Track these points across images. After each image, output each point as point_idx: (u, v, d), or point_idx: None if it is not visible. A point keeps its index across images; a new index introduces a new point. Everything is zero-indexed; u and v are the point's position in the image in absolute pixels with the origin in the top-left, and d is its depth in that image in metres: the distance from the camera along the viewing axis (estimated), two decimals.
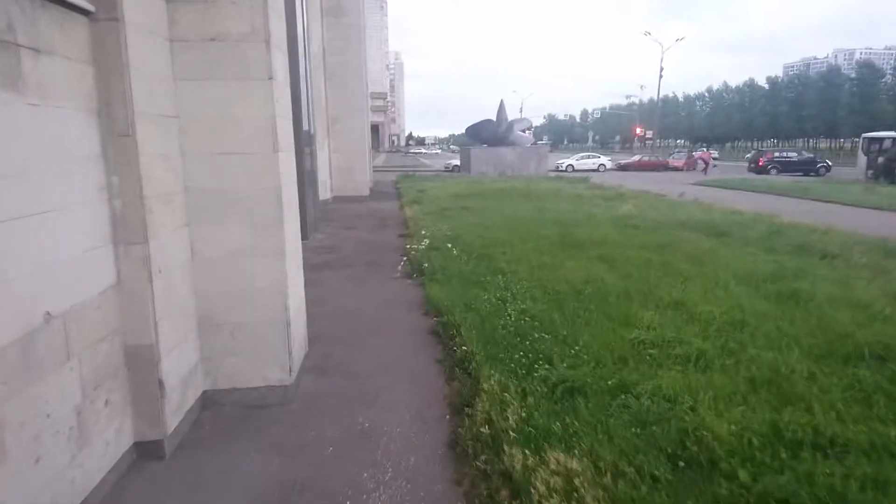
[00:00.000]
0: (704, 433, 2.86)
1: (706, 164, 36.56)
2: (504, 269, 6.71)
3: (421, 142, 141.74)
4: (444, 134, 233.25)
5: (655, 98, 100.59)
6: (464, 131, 33.91)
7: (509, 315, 4.94)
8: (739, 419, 3.02)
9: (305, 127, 9.37)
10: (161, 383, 2.85)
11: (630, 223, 10.10)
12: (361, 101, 17.68)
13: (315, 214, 10.14)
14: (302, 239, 9.16)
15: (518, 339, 4.36)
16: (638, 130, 74.79)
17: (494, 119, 31.22)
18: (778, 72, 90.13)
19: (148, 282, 2.76)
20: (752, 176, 30.88)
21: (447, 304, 5.35)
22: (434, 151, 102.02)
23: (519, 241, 8.44)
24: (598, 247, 7.84)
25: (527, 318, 4.83)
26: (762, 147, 76.83)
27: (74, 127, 2.44)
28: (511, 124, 31.36)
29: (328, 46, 16.24)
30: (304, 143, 9.20)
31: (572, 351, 4.07)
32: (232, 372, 3.41)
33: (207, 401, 3.40)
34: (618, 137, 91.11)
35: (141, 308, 2.76)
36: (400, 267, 7.12)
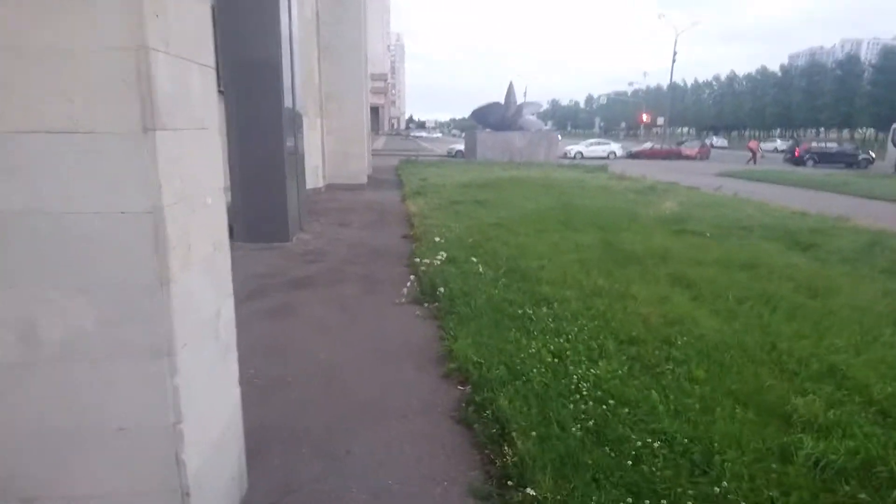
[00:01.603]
0: None
1: (754, 153, 34.23)
2: (548, 295, 4.93)
3: (421, 125, 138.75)
4: (444, 118, 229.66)
5: (661, 85, 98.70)
6: (468, 115, 31.98)
7: (579, 391, 3.18)
8: None
9: (289, 104, 7.52)
10: None
11: (684, 226, 8.29)
12: (360, 79, 15.72)
13: (300, 208, 8.33)
14: (282, 241, 7.37)
15: (611, 452, 2.59)
16: (644, 117, 72.87)
17: (502, 102, 29.23)
18: (782, 62, 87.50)
19: None
20: (784, 167, 28.97)
21: (478, 361, 3.59)
22: (435, 135, 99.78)
23: (554, 250, 6.66)
24: (662, 263, 6.06)
25: (609, 402, 3.05)
26: (752, 136, 74.85)
27: None
28: (520, 108, 29.40)
29: (323, 14, 14.26)
30: (287, 123, 7.37)
31: (717, 491, 2.32)
32: None
33: None
34: (623, 124, 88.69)
35: None
36: (406, 287, 5.33)
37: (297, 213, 8.12)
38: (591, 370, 3.45)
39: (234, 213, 7.34)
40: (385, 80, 74.55)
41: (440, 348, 4.00)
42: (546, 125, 31.49)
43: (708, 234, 7.67)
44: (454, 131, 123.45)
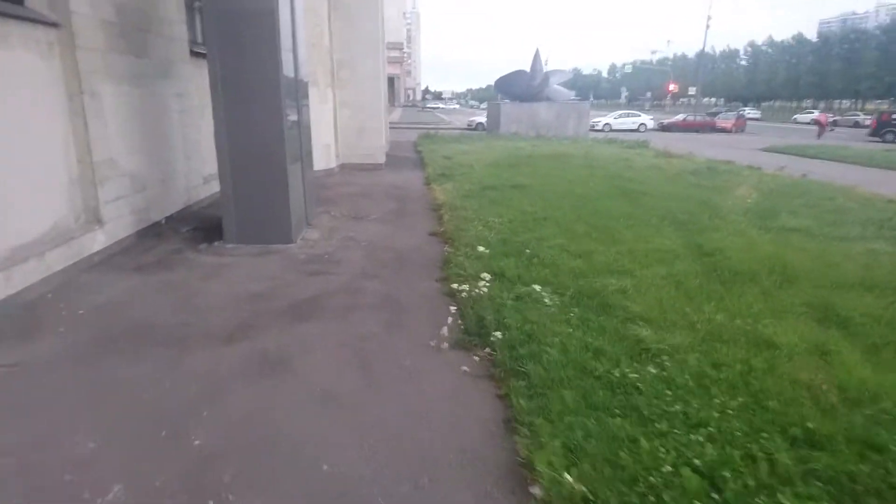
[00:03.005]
0: None
1: (822, 126, 31.53)
2: (648, 341, 3.46)
3: (438, 96, 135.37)
4: (460, 88, 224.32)
5: (688, 54, 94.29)
6: (485, 85, 30.04)
7: None
8: None
9: (289, 69, 6.00)
10: None
11: (780, 222, 6.68)
12: (376, 44, 13.99)
13: (307, 198, 6.86)
14: (283, 242, 5.90)
15: None
16: (672, 87, 69.79)
17: (528, 71, 27.19)
18: (811, 29, 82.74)
19: None
20: (846, 142, 26.63)
21: (587, 497, 2.16)
22: (452, 106, 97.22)
23: (632, 260, 5.15)
24: (787, 283, 4.54)
25: None
26: (783, 107, 71.11)
27: None
28: (547, 76, 27.29)
29: None
30: (287, 92, 5.85)
31: None
32: None
33: None
34: (649, 94, 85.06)
35: None
36: (446, 325, 3.85)
37: (303, 204, 6.66)
38: None
39: (224, 206, 5.91)
40: (401, 49, 72.12)
41: (512, 452, 2.56)
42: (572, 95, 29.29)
43: (811, 233, 6.06)
44: (472, 102, 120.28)
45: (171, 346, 3.53)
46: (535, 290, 4.23)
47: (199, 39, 8.36)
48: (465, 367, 3.32)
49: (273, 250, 5.81)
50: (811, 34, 75.24)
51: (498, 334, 3.48)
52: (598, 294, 4.25)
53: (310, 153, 7.33)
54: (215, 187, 7.95)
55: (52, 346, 3.53)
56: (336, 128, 12.44)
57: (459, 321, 3.90)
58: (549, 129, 24.30)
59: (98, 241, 5.30)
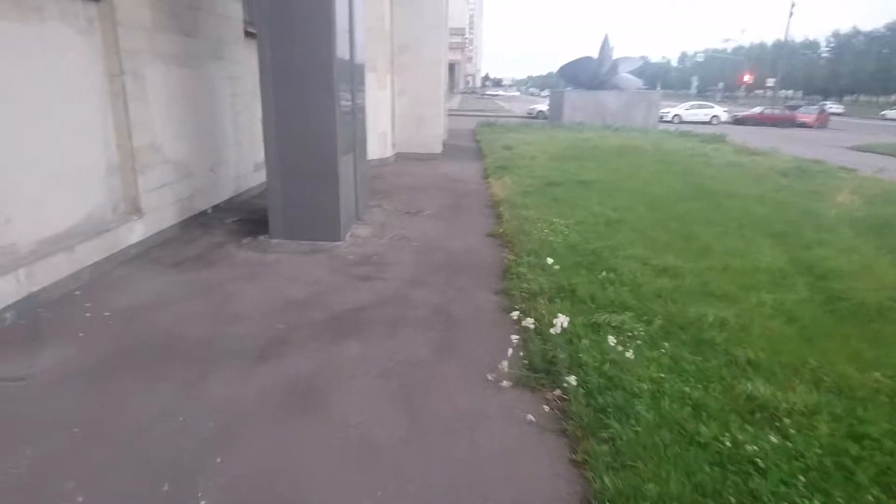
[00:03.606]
0: None
1: None
2: (763, 399, 2.76)
3: (498, 83, 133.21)
4: (521, 75, 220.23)
5: (765, 42, 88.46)
6: (546, 73, 28.94)
7: None
8: None
9: (344, 51, 5.50)
10: None
11: None
12: (439, 29, 13.36)
13: (359, 191, 6.39)
14: (332, 240, 5.33)
15: None
16: (746, 77, 65.81)
17: (596, 57, 25.90)
18: (881, 23, 75.55)
19: None
20: None
21: None
22: (512, 94, 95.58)
23: (728, 281, 4.39)
24: None
25: None
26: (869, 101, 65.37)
27: None
28: (615, 63, 25.92)
29: None
30: (341, 76, 5.36)
31: None
32: None
33: None
34: (721, 84, 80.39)
35: None
36: (507, 360, 3.21)
37: (354, 198, 6.19)
38: None
39: (270, 199, 5.51)
40: (462, 35, 71.14)
41: None
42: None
43: None
44: (532, 89, 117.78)
45: (193, 366, 3.11)
46: (614, 317, 3.57)
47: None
48: (530, 416, 2.73)
49: (320, 248, 5.37)
50: None
51: (573, 380, 2.84)
52: (691, 325, 3.55)
53: (364, 142, 6.85)
54: None
55: (65, 356, 3.18)
56: (393, 115, 11.96)
57: (522, 352, 3.30)
58: (616, 119, 23.04)
59: (136, 232, 4.99)
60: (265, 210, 5.66)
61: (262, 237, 5.61)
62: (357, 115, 6.27)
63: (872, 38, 71.35)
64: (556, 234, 5.67)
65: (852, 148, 20.38)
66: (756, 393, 2.80)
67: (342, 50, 5.41)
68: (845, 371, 3.04)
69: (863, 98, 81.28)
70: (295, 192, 5.45)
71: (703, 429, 2.53)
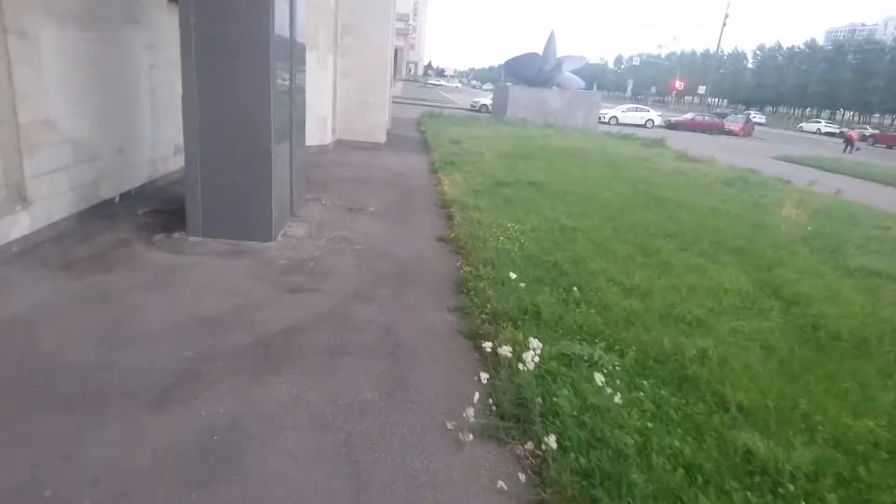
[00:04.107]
0: None
1: (852, 143, 29.06)
2: (761, 456, 2.43)
3: (441, 73, 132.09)
4: (463, 67, 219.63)
5: (696, 51, 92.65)
6: (489, 66, 28.62)
7: None
8: None
9: (283, 27, 4.80)
10: None
11: (856, 261, 5.66)
12: (387, 11, 12.63)
13: (294, 183, 5.69)
14: (261, 240, 4.37)
15: None
16: (677, 84, 68.46)
17: (541, 54, 25.81)
18: (817, 38, 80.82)
19: None
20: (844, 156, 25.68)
21: None
22: (454, 84, 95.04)
23: (696, 303, 4.09)
24: None
25: None
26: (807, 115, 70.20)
27: None
28: (560, 62, 25.94)
29: None
30: (278, 52, 4.66)
31: None
32: None
33: None
34: (653, 89, 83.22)
35: None
36: (472, 407, 2.69)
37: (289, 191, 5.49)
38: None
39: (188, 189, 4.74)
40: (407, 21, 69.77)
41: None
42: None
43: None
44: (474, 82, 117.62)
45: (74, 409, 2.43)
46: (586, 349, 3.15)
47: None
48: (501, 483, 2.25)
49: (246, 250, 4.67)
50: (833, 41, 73.54)
51: (552, 441, 2.37)
52: (669, 359, 3.19)
53: (302, 127, 6.14)
54: None
55: None
56: (335, 98, 11.18)
57: (488, 394, 2.81)
58: (558, 118, 23.06)
59: (20, 225, 4.13)
60: (184, 198, 4.87)
61: (177, 234, 4.83)
62: (295, 96, 5.57)
63: (793, 53, 75.97)
64: (511, 241, 5.24)
65: (777, 158, 21.30)
66: (753, 447, 2.46)
67: (281, 19, 4.71)
68: (838, 418, 2.76)
69: (782, 110, 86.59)
70: (219, 182, 4.70)
71: (701, 498, 2.14)
